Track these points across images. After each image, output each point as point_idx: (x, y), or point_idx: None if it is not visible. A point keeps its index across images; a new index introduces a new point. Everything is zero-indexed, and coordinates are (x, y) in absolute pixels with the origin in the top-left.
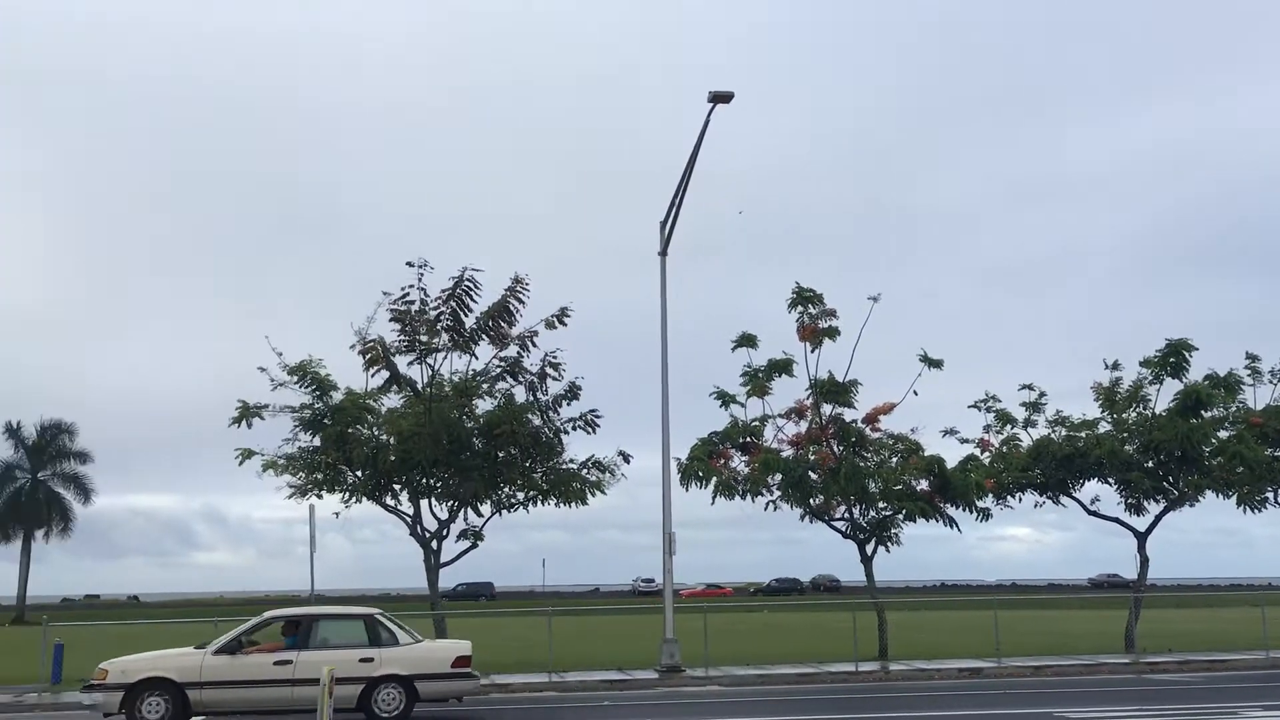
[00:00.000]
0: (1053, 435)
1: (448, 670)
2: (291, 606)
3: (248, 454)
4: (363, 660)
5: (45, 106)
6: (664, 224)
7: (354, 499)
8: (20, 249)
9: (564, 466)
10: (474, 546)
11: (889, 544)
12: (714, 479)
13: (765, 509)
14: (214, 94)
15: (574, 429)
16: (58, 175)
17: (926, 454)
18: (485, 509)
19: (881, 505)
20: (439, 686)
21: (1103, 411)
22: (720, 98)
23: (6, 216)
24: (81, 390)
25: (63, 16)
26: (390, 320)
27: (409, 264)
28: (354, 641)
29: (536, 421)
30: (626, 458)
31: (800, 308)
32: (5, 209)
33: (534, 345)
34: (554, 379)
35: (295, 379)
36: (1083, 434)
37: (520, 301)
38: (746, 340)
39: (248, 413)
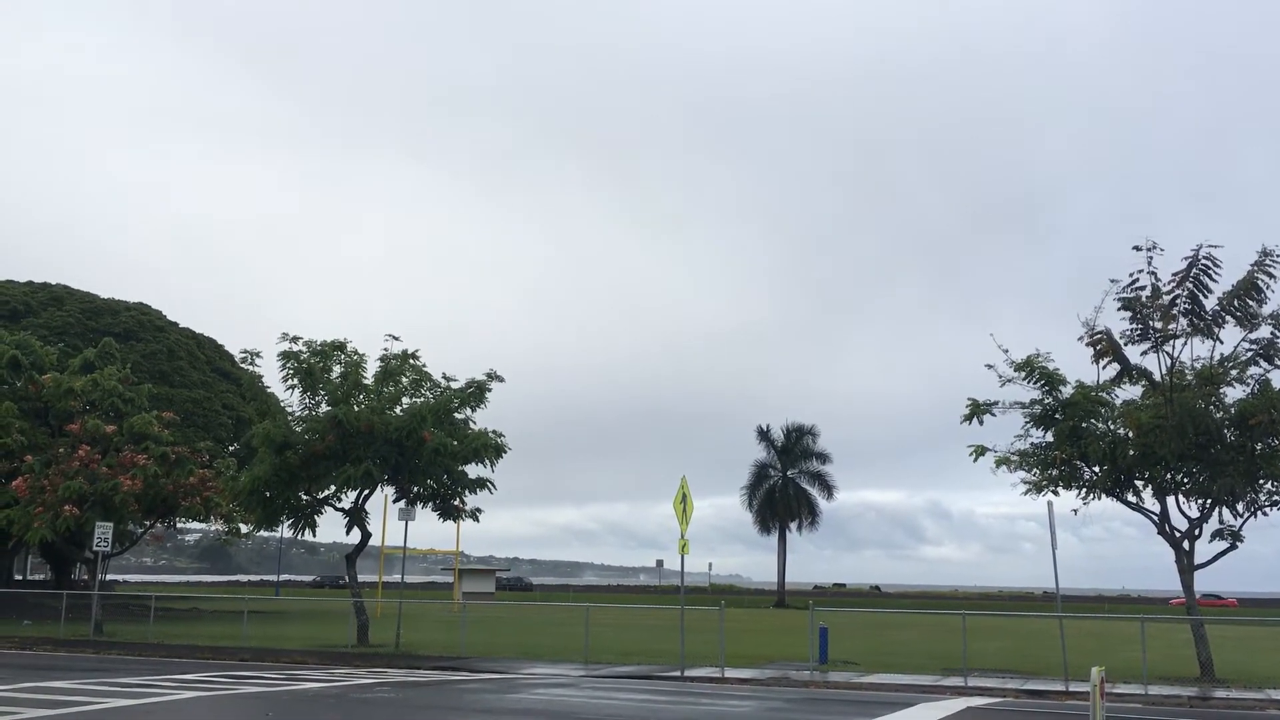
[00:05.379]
0: None
1: None
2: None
3: (980, 450)
4: None
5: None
6: None
7: (1092, 495)
8: (750, 274)
9: None
10: (1232, 548)
11: None
12: None
13: None
14: (906, 107)
15: None
16: (774, 204)
17: None
18: (1241, 507)
19: None
20: None
21: None
22: None
23: (736, 245)
24: (813, 396)
25: (780, 55)
26: (1119, 309)
27: (1136, 248)
28: None
29: None
30: None
31: None
32: (733, 237)
33: None
34: None
35: (1022, 375)
36: None
37: (1270, 276)
38: None
39: (978, 410)
